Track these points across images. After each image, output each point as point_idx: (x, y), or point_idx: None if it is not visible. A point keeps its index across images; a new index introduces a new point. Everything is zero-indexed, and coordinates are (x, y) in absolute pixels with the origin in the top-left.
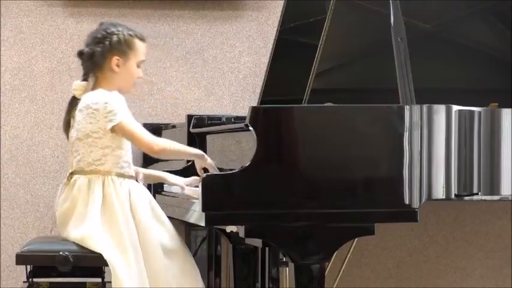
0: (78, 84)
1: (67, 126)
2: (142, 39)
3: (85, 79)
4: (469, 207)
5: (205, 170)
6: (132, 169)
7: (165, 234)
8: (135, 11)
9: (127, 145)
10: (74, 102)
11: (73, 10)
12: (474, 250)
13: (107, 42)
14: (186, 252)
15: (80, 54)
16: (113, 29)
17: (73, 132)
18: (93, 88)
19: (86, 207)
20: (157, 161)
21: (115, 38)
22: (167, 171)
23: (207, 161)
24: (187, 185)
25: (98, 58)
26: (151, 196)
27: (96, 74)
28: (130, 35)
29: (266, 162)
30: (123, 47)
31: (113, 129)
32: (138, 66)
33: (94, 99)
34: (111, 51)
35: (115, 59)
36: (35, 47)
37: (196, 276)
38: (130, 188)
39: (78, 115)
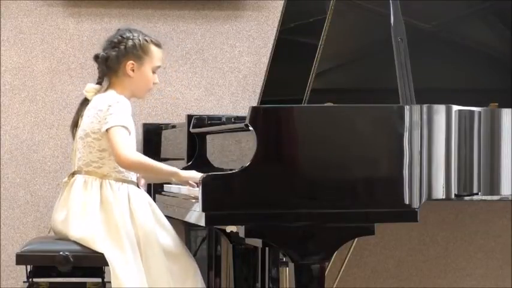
0: (91, 87)
1: (75, 125)
2: (158, 45)
3: (99, 82)
4: (469, 207)
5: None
6: (132, 174)
7: (167, 237)
8: (135, 11)
9: None
10: (85, 103)
11: (73, 10)
12: (474, 250)
13: (122, 47)
14: (187, 254)
15: (96, 58)
16: (129, 34)
17: (79, 131)
18: (106, 90)
19: (84, 207)
20: None
21: (130, 42)
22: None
23: (181, 178)
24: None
25: (112, 62)
26: (151, 200)
27: (111, 78)
28: (146, 40)
29: (266, 162)
30: (138, 52)
31: (107, 132)
32: (154, 72)
33: (101, 99)
34: (126, 56)
35: (130, 64)
36: (35, 47)
37: (197, 277)
38: (130, 193)
39: (85, 114)
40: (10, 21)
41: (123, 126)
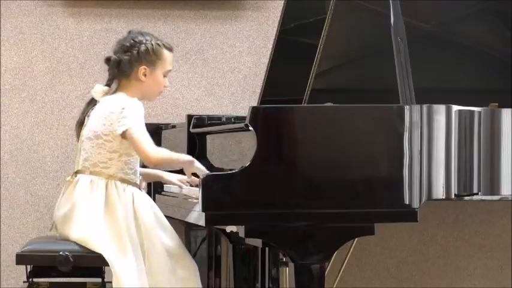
0: (99, 88)
1: (80, 124)
2: (169, 49)
3: (108, 85)
4: (469, 207)
5: (194, 174)
6: (137, 177)
7: (168, 238)
8: (135, 11)
9: (135, 152)
10: (91, 102)
11: (73, 10)
12: (474, 250)
13: (135, 51)
14: (187, 256)
15: (107, 60)
16: (141, 38)
17: (85, 131)
18: (115, 92)
19: (89, 207)
20: None
21: (143, 47)
22: (166, 170)
23: (194, 166)
24: (181, 182)
25: (125, 66)
26: (153, 203)
27: (121, 81)
28: (158, 44)
29: (266, 162)
30: (151, 57)
31: (123, 135)
32: (165, 75)
33: (112, 102)
34: (138, 61)
35: (142, 69)
36: (35, 47)
37: (197, 279)
38: (134, 195)
39: (93, 115)
40: (10, 21)
41: (141, 126)
